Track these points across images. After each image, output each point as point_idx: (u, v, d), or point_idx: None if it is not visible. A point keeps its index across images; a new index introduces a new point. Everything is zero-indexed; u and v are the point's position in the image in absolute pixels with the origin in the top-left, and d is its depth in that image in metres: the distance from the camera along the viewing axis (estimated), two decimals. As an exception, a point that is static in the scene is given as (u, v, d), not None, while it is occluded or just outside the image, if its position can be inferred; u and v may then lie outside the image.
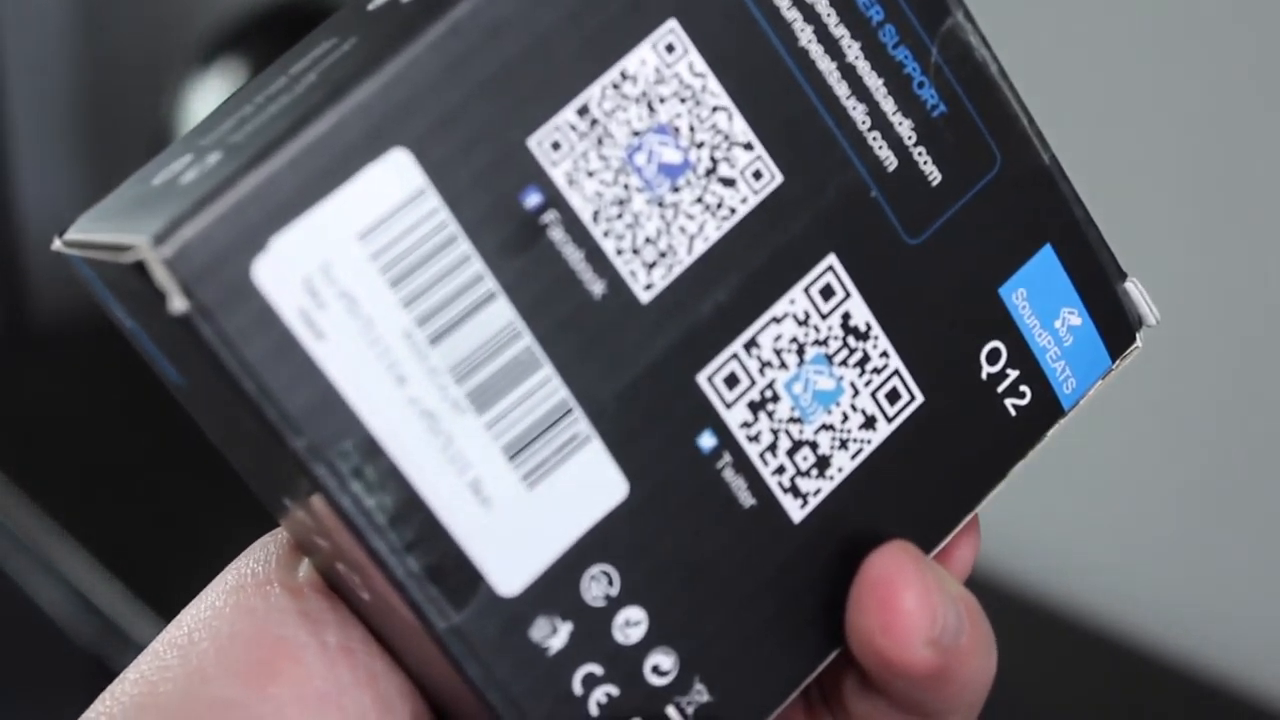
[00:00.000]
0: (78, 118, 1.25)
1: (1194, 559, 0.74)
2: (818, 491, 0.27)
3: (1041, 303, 0.28)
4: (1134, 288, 0.29)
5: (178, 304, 0.23)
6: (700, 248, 0.26)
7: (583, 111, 0.25)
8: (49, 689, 0.94)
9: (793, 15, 0.26)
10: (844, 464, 0.27)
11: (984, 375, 0.28)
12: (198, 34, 1.15)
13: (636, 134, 0.25)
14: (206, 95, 0.98)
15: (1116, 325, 0.29)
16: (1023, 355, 0.28)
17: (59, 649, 0.88)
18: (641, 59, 0.25)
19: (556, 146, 0.25)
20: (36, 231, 1.22)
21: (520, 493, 0.25)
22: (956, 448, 0.28)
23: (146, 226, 0.24)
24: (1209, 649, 0.73)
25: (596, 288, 0.25)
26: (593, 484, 0.25)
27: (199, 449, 0.68)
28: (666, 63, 0.26)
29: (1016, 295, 0.28)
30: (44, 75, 1.23)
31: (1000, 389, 0.28)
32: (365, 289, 0.24)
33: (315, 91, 0.25)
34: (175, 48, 1.17)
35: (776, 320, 0.26)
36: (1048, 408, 0.29)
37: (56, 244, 0.27)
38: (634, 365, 0.26)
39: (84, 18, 1.25)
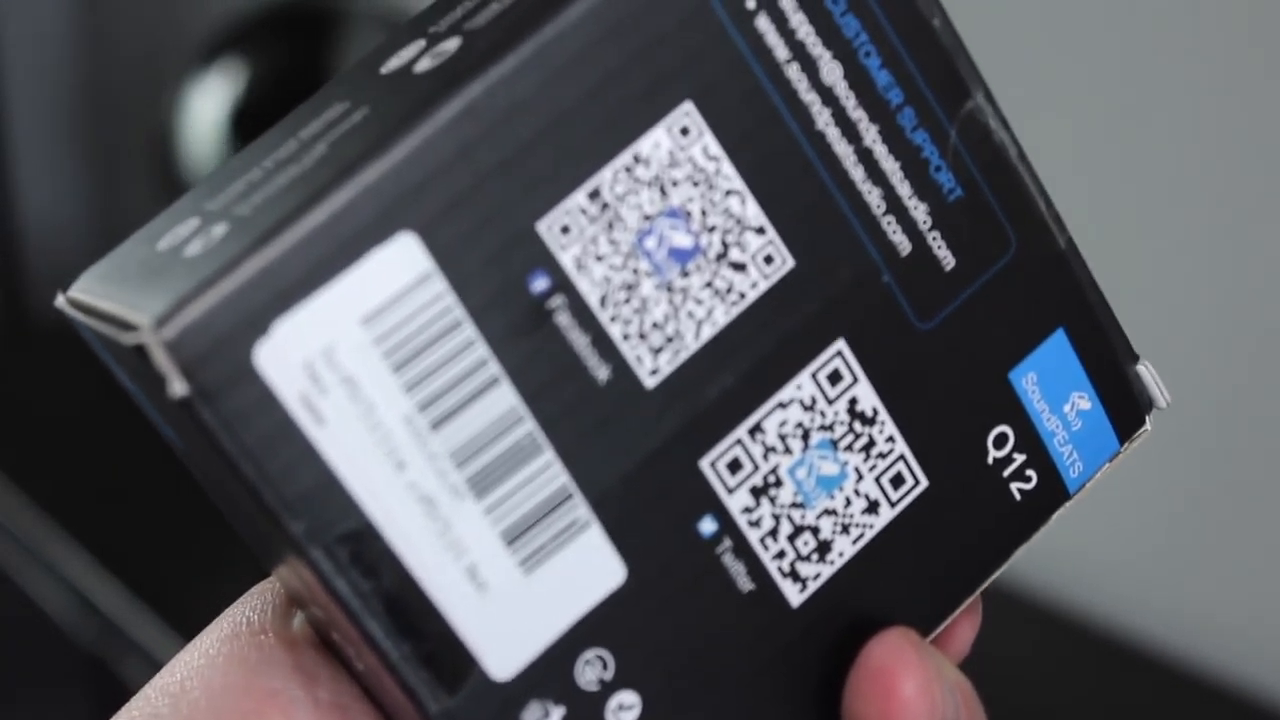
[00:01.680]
0: (78, 118, 1.25)
1: (1194, 559, 0.74)
2: (817, 576, 0.27)
3: (1052, 387, 0.28)
4: (1145, 370, 0.29)
5: (178, 388, 0.23)
6: (708, 333, 0.25)
7: (594, 195, 0.25)
8: (49, 689, 0.93)
9: (811, 98, 0.26)
10: (845, 549, 0.27)
11: (990, 459, 0.28)
12: (198, 34, 1.14)
13: (648, 218, 0.25)
14: (206, 95, 0.97)
15: (1126, 408, 0.29)
16: (1030, 440, 0.28)
17: (59, 649, 0.88)
18: (655, 142, 0.25)
19: (566, 230, 0.25)
20: (36, 231, 1.22)
21: (517, 578, 0.25)
22: (959, 531, 0.27)
23: (149, 304, 0.23)
24: (1209, 649, 0.73)
25: (601, 373, 0.25)
26: (590, 569, 0.25)
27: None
28: (680, 146, 0.25)
29: (1027, 380, 0.28)
30: (44, 75, 1.22)
31: (1006, 473, 0.28)
32: (367, 374, 0.24)
33: (324, 167, 0.24)
34: (175, 48, 1.17)
35: (782, 406, 0.26)
36: (1053, 491, 0.28)
37: (60, 301, 0.26)
38: (637, 451, 0.25)
39: (84, 18, 1.25)
